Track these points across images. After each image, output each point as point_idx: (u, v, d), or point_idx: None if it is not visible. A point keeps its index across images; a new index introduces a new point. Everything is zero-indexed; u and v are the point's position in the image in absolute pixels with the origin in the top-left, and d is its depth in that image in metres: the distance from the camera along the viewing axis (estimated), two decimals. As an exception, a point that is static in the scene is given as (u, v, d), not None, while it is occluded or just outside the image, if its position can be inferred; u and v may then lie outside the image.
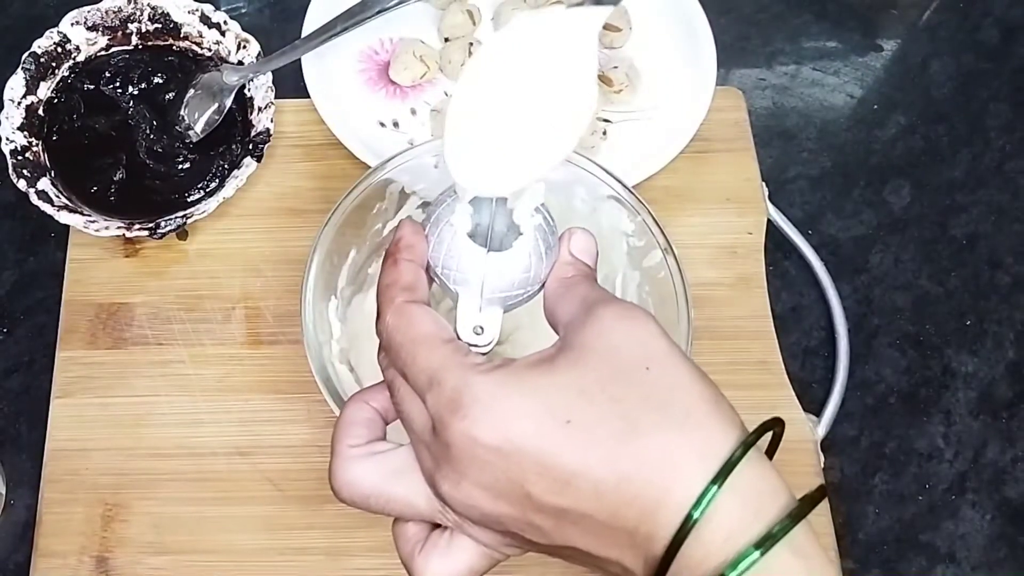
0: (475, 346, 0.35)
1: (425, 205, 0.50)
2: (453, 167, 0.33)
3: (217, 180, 0.53)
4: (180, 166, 0.53)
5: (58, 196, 0.52)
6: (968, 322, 0.55)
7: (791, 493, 0.29)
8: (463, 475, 0.30)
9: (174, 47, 0.56)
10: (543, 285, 0.36)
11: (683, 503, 0.28)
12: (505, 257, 0.35)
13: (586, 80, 0.32)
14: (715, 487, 0.28)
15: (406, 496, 0.32)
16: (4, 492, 0.49)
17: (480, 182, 0.33)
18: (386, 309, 0.33)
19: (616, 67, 0.57)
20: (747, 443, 0.29)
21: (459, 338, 0.34)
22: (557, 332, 0.33)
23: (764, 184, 0.55)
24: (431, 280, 0.36)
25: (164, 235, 0.51)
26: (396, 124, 0.56)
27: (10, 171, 0.52)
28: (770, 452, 0.31)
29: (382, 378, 0.35)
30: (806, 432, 0.50)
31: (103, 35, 0.56)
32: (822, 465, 0.49)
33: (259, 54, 0.55)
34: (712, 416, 0.29)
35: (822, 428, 0.50)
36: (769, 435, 0.31)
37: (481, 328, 0.35)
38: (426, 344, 0.32)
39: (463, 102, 0.33)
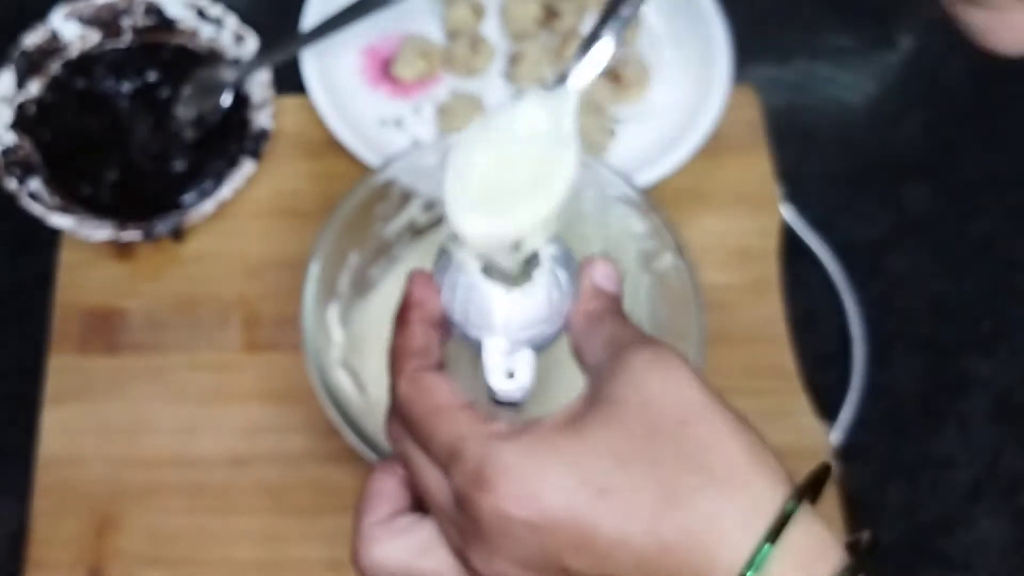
0: (508, 400, 0.34)
1: (429, 206, 0.49)
2: (457, 223, 0.34)
3: (214, 180, 0.53)
4: (175, 166, 0.53)
5: (49, 197, 0.51)
6: (986, 326, 0.54)
7: (840, 546, 0.28)
8: (495, 550, 0.28)
9: (169, 42, 0.56)
10: (566, 321, 0.35)
11: (731, 569, 0.27)
12: (524, 292, 0.34)
13: (565, 149, 0.34)
14: (769, 546, 0.27)
15: (435, 572, 0.31)
16: (-6, 502, 0.48)
17: (479, 235, 0.34)
18: (398, 379, 0.32)
19: (626, 64, 0.56)
20: (798, 496, 0.27)
21: (490, 388, 0.33)
22: (584, 372, 0.32)
23: (779, 185, 0.55)
24: (450, 332, 0.35)
25: (159, 237, 0.50)
26: (399, 122, 0.56)
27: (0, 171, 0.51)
28: (813, 497, 0.30)
29: (384, 388, 0.34)
30: (820, 440, 0.49)
31: (96, 30, 0.55)
32: (836, 473, 0.48)
33: (257, 49, 0.54)
34: (755, 472, 0.28)
35: (837, 435, 0.50)
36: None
37: (512, 372, 0.33)
38: (443, 414, 0.30)
39: (459, 167, 0.34)
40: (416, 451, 0.31)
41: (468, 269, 0.34)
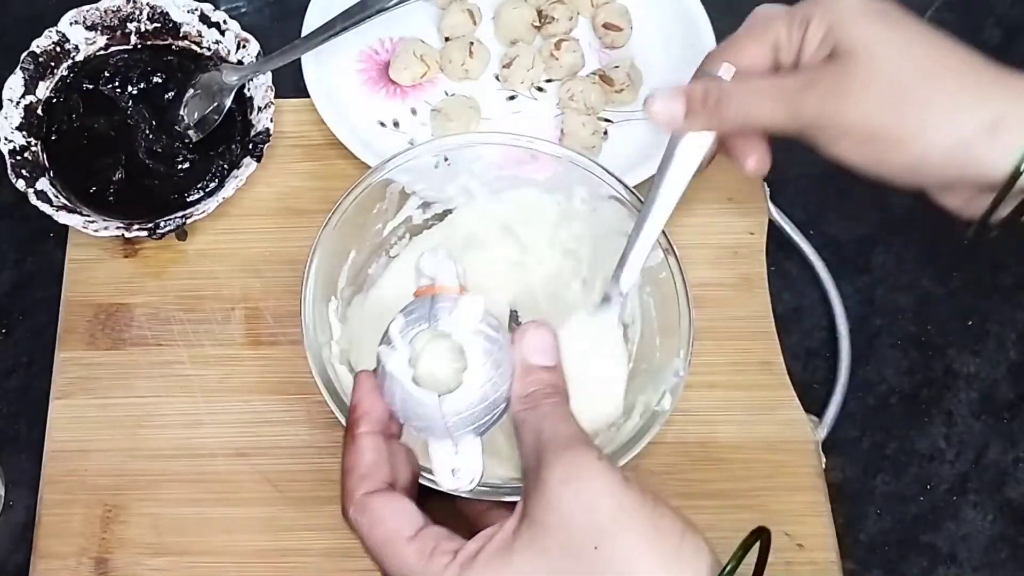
0: (456, 489, 0.35)
1: (425, 206, 0.50)
2: None
3: (216, 180, 0.53)
4: (179, 166, 0.54)
5: (57, 196, 0.52)
6: (970, 323, 0.54)
7: None
8: None
9: (173, 46, 0.56)
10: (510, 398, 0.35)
11: None
12: (458, 395, 0.34)
13: (615, 356, 0.42)
14: None
15: None
16: (3, 493, 0.49)
17: None
18: (348, 503, 0.34)
19: (617, 67, 0.57)
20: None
21: (441, 485, 0.35)
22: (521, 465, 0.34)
23: (765, 184, 0.55)
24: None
25: (163, 235, 0.51)
26: (396, 124, 0.56)
27: (9, 171, 0.52)
28: (762, 561, 0.31)
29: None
30: (807, 433, 0.50)
31: (102, 34, 0.56)
32: (823, 466, 0.49)
33: (259, 53, 0.55)
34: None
35: (823, 429, 0.50)
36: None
37: (458, 470, 0.35)
38: (391, 546, 0.32)
39: None
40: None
41: (400, 378, 0.34)
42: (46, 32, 0.54)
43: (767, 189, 0.55)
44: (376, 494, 0.33)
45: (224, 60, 0.55)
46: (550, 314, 0.50)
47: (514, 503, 0.33)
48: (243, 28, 0.55)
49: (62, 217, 0.50)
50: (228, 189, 0.51)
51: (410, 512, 0.33)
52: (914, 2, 0.64)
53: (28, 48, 0.54)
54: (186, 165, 0.54)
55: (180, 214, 0.51)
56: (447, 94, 0.57)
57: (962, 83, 0.37)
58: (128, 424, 0.49)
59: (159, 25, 0.56)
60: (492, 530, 0.32)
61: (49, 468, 0.48)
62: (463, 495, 0.36)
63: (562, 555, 0.30)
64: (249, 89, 0.55)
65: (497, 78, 0.57)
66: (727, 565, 0.30)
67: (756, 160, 0.42)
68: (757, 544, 0.31)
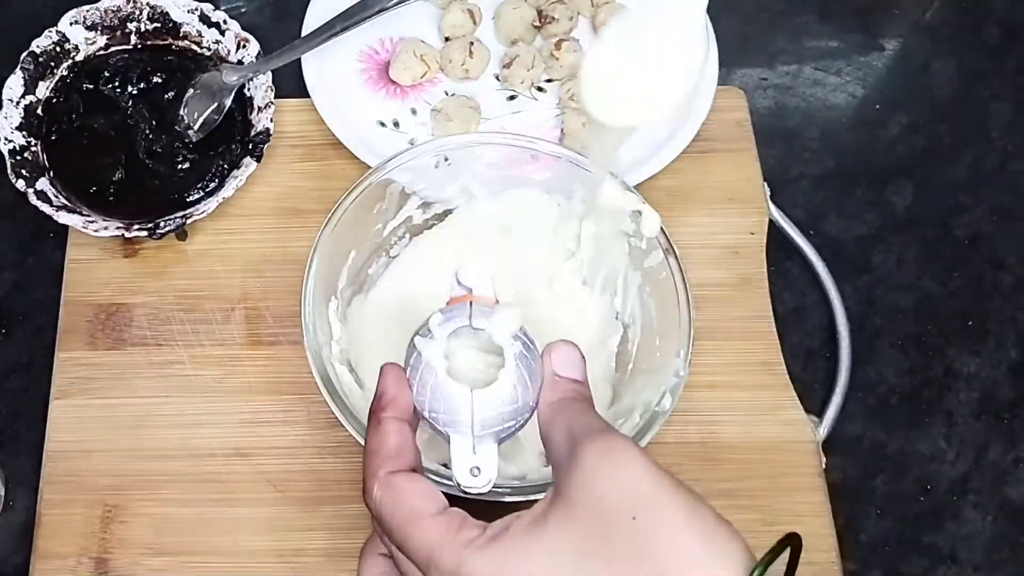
0: (473, 488, 0.35)
1: (425, 206, 0.50)
2: (589, 103, 0.41)
3: (216, 180, 0.53)
4: (179, 166, 0.54)
5: (57, 196, 0.52)
6: (970, 323, 0.55)
7: None
8: None
9: (173, 46, 0.56)
10: (535, 409, 0.36)
11: None
12: (490, 392, 0.35)
13: (693, 44, 0.40)
14: None
15: None
16: (3, 493, 0.49)
17: (609, 115, 0.41)
18: (372, 482, 0.33)
19: (617, 67, 0.57)
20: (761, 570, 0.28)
21: (457, 484, 0.35)
22: (551, 466, 0.34)
23: (766, 184, 0.55)
24: (420, 421, 0.36)
25: (163, 235, 0.51)
26: (396, 124, 0.56)
27: (8, 171, 0.52)
28: (791, 568, 0.30)
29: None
30: (807, 433, 0.50)
31: (102, 34, 0.56)
32: (823, 466, 0.49)
33: (259, 53, 0.55)
34: (712, 558, 0.29)
35: (824, 429, 0.50)
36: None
37: (478, 469, 0.35)
38: (417, 522, 0.32)
39: (598, 57, 0.40)
40: (395, 550, 0.33)
41: (436, 368, 0.35)
42: (46, 32, 0.55)
43: (767, 189, 0.55)
44: (400, 473, 0.33)
45: (224, 60, 0.55)
46: (550, 313, 0.51)
47: (512, 503, 0.33)
48: (243, 28, 0.56)
49: (62, 217, 0.51)
50: (228, 189, 0.52)
51: (434, 492, 0.33)
52: (915, 1, 0.65)
53: (28, 48, 0.54)
54: (186, 165, 0.54)
55: (180, 214, 0.51)
56: (447, 94, 0.57)
57: None
58: (128, 424, 0.49)
59: (159, 25, 0.56)
60: (520, 512, 0.32)
61: (49, 468, 0.48)
62: (475, 496, 0.36)
63: (598, 526, 0.30)
64: (249, 89, 0.55)
65: (497, 78, 0.58)
66: (763, 559, 0.29)
67: None
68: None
